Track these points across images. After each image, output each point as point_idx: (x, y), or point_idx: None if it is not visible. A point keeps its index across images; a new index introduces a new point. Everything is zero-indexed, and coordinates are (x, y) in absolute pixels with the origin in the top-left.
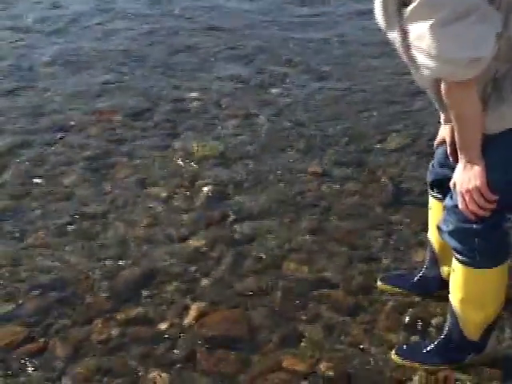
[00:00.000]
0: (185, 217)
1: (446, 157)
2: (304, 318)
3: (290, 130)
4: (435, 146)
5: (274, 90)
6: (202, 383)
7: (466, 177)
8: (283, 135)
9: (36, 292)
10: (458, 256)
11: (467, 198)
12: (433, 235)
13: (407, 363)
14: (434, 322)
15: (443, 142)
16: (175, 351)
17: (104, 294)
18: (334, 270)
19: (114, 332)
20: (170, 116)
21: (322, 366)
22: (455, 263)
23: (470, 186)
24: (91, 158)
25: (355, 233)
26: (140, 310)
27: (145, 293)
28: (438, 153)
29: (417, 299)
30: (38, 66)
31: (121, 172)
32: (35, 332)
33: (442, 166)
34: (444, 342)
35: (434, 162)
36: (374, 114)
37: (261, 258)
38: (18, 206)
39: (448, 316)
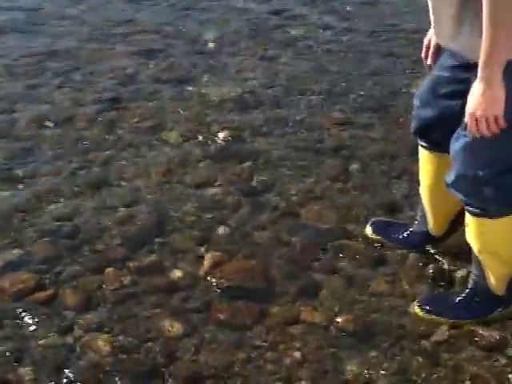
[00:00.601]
0: (200, 163)
1: (430, 91)
2: (323, 269)
3: (311, 73)
4: (423, 56)
5: (294, 31)
6: (216, 334)
7: (484, 101)
8: (304, 78)
9: (45, 239)
10: (469, 208)
11: (482, 124)
12: (423, 189)
13: (430, 316)
14: (458, 274)
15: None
16: (189, 301)
17: (116, 242)
18: (355, 219)
19: (126, 281)
20: (185, 57)
21: (341, 319)
22: (468, 216)
23: (488, 113)
24: (101, 101)
25: (378, 181)
26: (153, 258)
27: (158, 241)
28: (421, 90)
29: (441, 250)
30: None
31: (133, 116)
32: (44, 280)
33: (424, 105)
34: (469, 295)
35: (416, 102)
36: (400, 56)
37: (279, 206)
38: (28, 151)
39: (472, 269)
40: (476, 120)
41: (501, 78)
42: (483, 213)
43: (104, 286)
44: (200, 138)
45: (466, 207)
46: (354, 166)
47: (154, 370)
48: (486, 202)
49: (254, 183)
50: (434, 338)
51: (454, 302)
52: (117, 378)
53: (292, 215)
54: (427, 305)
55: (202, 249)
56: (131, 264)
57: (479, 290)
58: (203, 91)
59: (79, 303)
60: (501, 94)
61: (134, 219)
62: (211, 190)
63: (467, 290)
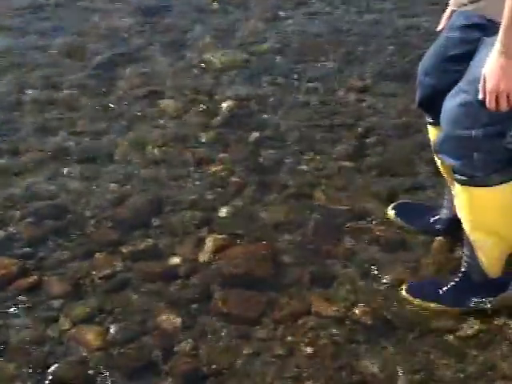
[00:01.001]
0: (201, 136)
1: (437, 56)
2: (338, 255)
3: (326, 37)
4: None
5: None
6: (219, 327)
7: (505, 76)
8: (318, 43)
9: (29, 219)
10: (457, 176)
11: (503, 99)
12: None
13: (418, 302)
14: None
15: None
16: (188, 290)
17: (107, 224)
18: (373, 200)
19: (119, 267)
20: (186, 17)
21: (358, 311)
22: (456, 186)
23: (509, 88)
24: (90, 67)
25: (399, 157)
26: (149, 242)
27: (154, 222)
28: (426, 56)
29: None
30: None
31: (127, 83)
32: (28, 265)
33: (430, 71)
34: (462, 280)
35: (421, 69)
36: (423, 20)
37: (289, 185)
38: (10, 121)
39: (464, 250)
40: (497, 95)
41: None
42: (471, 181)
43: (94, 273)
44: (201, 108)
45: (454, 175)
46: (373, 141)
47: (149, 365)
48: (474, 168)
49: (261, 159)
50: (461, 332)
51: (449, 287)
52: (108, 375)
53: (303, 195)
54: (416, 288)
55: (203, 232)
56: (124, 249)
57: (473, 274)
58: (205, 56)
59: (66, 291)
60: None
61: (127, 199)
62: (213, 167)
63: (459, 275)
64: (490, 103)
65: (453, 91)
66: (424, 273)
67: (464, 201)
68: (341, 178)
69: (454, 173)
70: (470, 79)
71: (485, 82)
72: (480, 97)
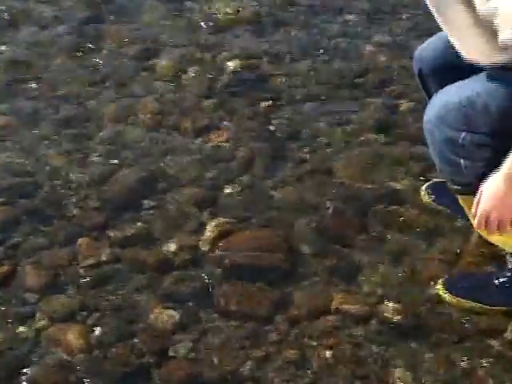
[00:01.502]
0: (203, 102)
1: (441, 39)
2: (363, 242)
3: None
4: None
5: None
6: (222, 327)
7: (503, 206)
8: None
9: (0, 199)
10: (454, 187)
11: (492, 225)
12: None
13: (456, 300)
14: None
15: None
16: (187, 283)
17: (92, 204)
18: (406, 179)
19: (105, 255)
20: None
21: (385, 309)
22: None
23: (506, 218)
24: (73, 21)
25: None
26: (140, 226)
27: (147, 203)
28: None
29: None
30: None
31: (115, 39)
32: None
33: (431, 47)
34: (509, 278)
35: (423, 45)
36: None
37: (305, 159)
38: None
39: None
40: (487, 220)
41: None
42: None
43: (75, 262)
44: (202, 69)
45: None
46: (404, 107)
47: (139, 371)
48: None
49: (272, 129)
50: (506, 335)
51: (492, 284)
52: (91, 382)
53: (322, 171)
54: (454, 286)
55: (204, 215)
56: (112, 233)
57: None
58: (206, 7)
59: (43, 283)
60: None
61: (115, 175)
62: (216, 138)
63: (508, 274)
64: (478, 223)
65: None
66: (464, 265)
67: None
68: (366, 152)
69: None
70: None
71: (480, 199)
72: (473, 211)
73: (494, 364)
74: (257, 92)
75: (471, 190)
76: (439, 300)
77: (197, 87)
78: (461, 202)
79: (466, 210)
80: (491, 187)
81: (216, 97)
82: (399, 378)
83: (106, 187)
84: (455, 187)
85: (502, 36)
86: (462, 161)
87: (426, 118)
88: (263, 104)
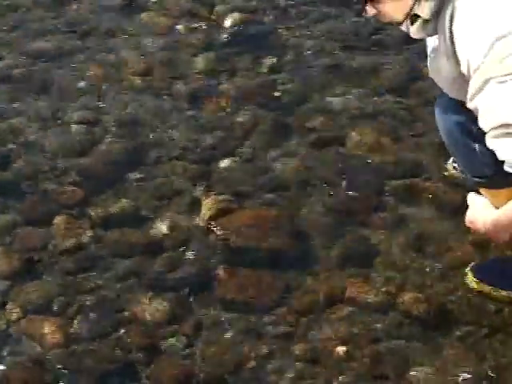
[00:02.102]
0: (197, 62)
1: None
2: (380, 222)
3: None
4: None
5: None
6: (220, 319)
7: (499, 229)
8: None
9: None
10: (474, 179)
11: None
12: None
13: (487, 288)
14: None
15: None
16: (179, 269)
17: (70, 178)
18: (427, 149)
19: (86, 237)
20: None
21: (406, 298)
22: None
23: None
24: None
25: None
26: (125, 203)
27: (133, 177)
28: None
29: None
30: None
31: None
32: None
33: None
34: None
35: None
36: None
37: (314, 127)
38: None
39: None
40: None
41: None
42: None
43: (52, 245)
44: (197, 24)
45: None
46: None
47: (125, 369)
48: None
49: (276, 93)
50: None
51: None
52: (70, 379)
53: (334, 142)
54: (484, 270)
55: (199, 190)
56: (93, 212)
57: None
58: None
59: (15, 269)
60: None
61: (97, 145)
62: (213, 103)
63: None
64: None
65: None
66: (496, 249)
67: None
68: (384, 119)
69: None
70: None
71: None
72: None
73: None
74: (259, 50)
75: (491, 183)
76: (467, 288)
77: (190, 45)
78: (483, 192)
79: (489, 199)
80: (483, 216)
81: (212, 56)
82: (418, 376)
83: (86, 159)
84: (475, 179)
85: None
86: (477, 145)
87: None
88: (266, 63)
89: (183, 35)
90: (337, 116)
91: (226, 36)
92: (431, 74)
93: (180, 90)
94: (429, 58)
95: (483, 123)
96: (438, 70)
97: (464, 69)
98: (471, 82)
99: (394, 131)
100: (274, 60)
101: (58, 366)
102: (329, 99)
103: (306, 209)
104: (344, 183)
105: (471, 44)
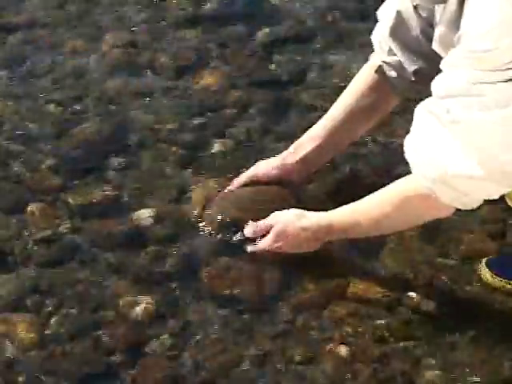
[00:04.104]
0: (183, 32)
1: None
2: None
3: None
4: None
5: None
6: (211, 316)
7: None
8: None
9: None
10: None
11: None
12: None
13: (504, 284)
14: None
15: None
16: (165, 261)
17: (46, 163)
18: None
19: (63, 226)
20: None
21: (416, 293)
22: None
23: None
24: None
25: None
26: (106, 190)
27: (115, 161)
28: None
29: None
30: None
31: None
32: None
33: None
34: None
35: None
36: None
37: (316, 106)
38: None
39: None
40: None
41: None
42: None
43: (25, 235)
44: None
45: None
46: None
47: (106, 371)
48: None
49: (273, 67)
50: None
51: None
52: None
53: None
54: (501, 264)
55: (187, 175)
56: (71, 199)
57: None
58: None
59: None
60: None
61: (74, 125)
62: (202, 79)
63: None
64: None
65: None
66: None
67: None
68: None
69: None
70: None
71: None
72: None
73: None
74: (253, 19)
75: None
76: (482, 284)
77: (177, 12)
78: None
79: None
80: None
81: (202, 25)
82: (432, 381)
83: (63, 141)
84: None
85: None
86: None
87: None
88: (261, 34)
89: (169, 1)
90: (340, 94)
91: (216, 2)
92: (434, 46)
93: (166, 65)
94: (436, 29)
95: (440, 89)
96: (443, 42)
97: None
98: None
99: (403, 110)
100: (268, 30)
101: (32, 368)
102: (331, 74)
103: (306, 196)
104: (347, 168)
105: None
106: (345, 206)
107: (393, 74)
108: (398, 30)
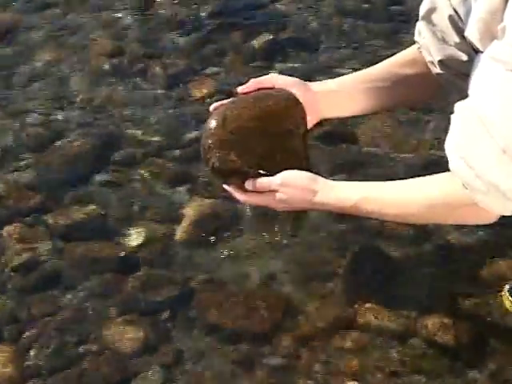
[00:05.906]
0: (176, 40)
1: None
2: (396, 227)
3: None
4: None
5: None
6: (205, 348)
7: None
8: None
9: None
10: None
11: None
12: None
13: None
14: None
15: None
16: (156, 289)
17: (25, 180)
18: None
19: (44, 249)
20: None
21: (431, 322)
22: None
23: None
24: None
25: None
26: (91, 209)
27: (101, 177)
28: None
29: None
30: None
31: None
32: None
33: None
34: None
35: None
36: None
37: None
38: None
39: None
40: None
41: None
42: None
43: (3, 259)
44: None
45: None
46: None
47: None
48: None
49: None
50: None
51: None
52: None
53: (342, 136)
54: None
55: (181, 193)
56: (52, 220)
57: None
58: None
59: None
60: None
61: (57, 138)
62: (197, 90)
63: None
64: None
65: None
66: None
67: None
68: (403, 110)
69: None
70: None
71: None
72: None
73: None
74: (251, 24)
75: None
76: (506, 311)
77: (170, 18)
78: None
79: None
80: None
81: (197, 31)
82: None
83: (44, 156)
84: None
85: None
86: None
87: None
88: (260, 41)
89: (161, 6)
90: None
91: (212, 7)
92: (468, 32)
93: (157, 75)
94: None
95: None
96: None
97: None
98: None
99: (414, 127)
100: (269, 36)
101: None
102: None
103: (308, 213)
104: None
105: None
106: (368, 189)
107: (428, 57)
108: (432, 17)
